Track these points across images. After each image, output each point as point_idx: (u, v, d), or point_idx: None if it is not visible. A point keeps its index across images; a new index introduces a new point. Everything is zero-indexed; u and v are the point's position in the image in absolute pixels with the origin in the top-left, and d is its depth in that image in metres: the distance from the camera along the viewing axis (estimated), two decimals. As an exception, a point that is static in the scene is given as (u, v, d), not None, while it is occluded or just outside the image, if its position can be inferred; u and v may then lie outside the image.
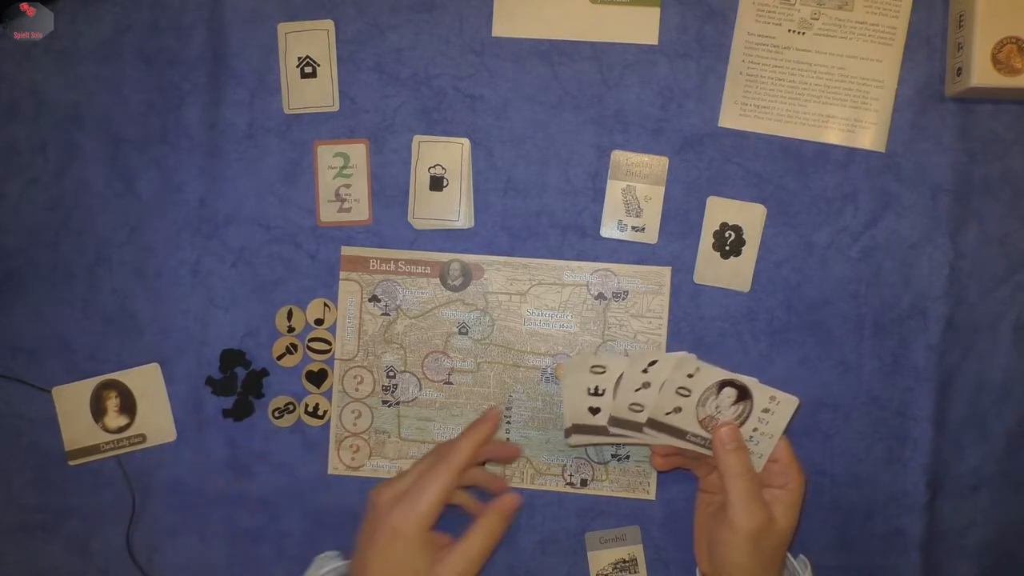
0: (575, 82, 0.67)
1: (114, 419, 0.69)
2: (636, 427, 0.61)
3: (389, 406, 0.68)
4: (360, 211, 0.68)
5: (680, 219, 0.67)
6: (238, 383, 0.69)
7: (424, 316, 0.68)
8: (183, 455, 0.69)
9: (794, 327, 0.66)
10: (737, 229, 0.66)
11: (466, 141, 0.68)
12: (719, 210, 0.66)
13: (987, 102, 0.65)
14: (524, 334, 0.68)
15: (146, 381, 0.69)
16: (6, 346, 0.70)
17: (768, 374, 0.66)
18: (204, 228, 0.69)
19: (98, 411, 0.69)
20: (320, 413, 0.69)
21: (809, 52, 0.66)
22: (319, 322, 0.68)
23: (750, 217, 0.66)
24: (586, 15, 0.67)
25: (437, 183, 0.68)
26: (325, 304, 0.68)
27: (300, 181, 0.69)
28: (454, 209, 0.68)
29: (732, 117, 0.66)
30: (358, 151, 0.68)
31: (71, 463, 0.70)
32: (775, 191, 0.66)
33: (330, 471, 0.69)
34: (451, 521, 0.61)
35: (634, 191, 0.67)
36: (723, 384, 0.59)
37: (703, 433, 0.60)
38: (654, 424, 0.60)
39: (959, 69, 0.63)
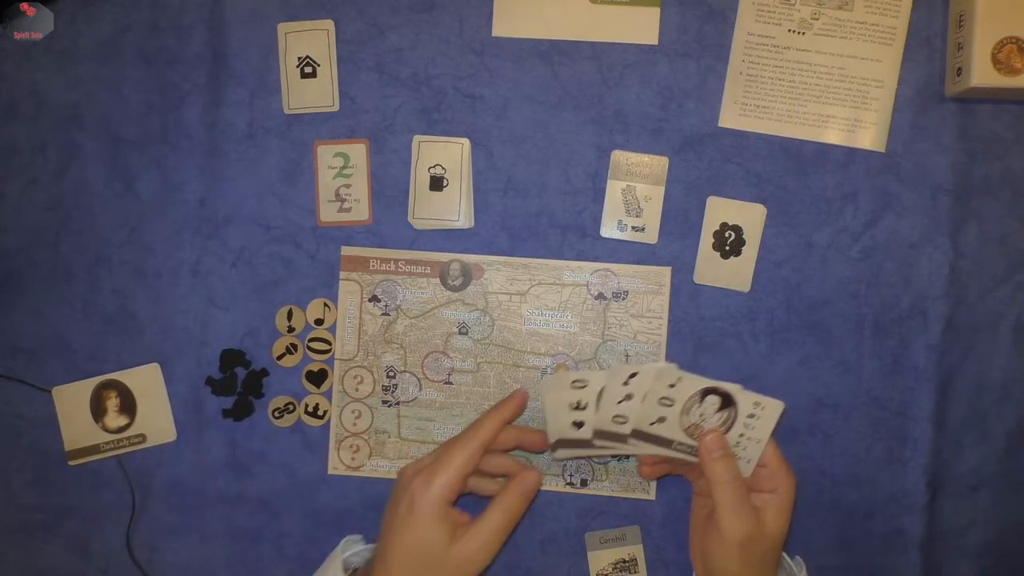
0: (575, 82, 0.67)
1: (114, 419, 0.69)
2: (621, 439, 0.60)
3: (389, 406, 0.68)
4: (360, 211, 0.68)
5: (680, 219, 0.67)
6: (238, 383, 0.69)
7: (424, 316, 0.68)
8: (183, 455, 0.69)
9: (794, 327, 0.66)
10: (737, 229, 0.66)
11: (466, 141, 0.68)
12: (719, 210, 0.66)
13: (987, 102, 0.65)
14: (524, 334, 0.68)
15: (146, 381, 0.69)
16: (6, 346, 0.70)
17: (768, 374, 0.66)
18: (204, 228, 0.69)
19: (98, 411, 0.69)
20: (320, 413, 0.69)
21: (809, 52, 0.66)
22: (319, 322, 0.68)
23: (750, 217, 0.66)
24: (586, 15, 0.67)
25: (437, 183, 0.68)
26: (325, 304, 0.68)
27: (300, 181, 0.69)
28: (454, 209, 0.68)
29: (732, 117, 0.66)
30: (358, 151, 0.68)
31: (71, 463, 0.70)
32: (775, 191, 0.66)
33: (330, 471, 0.69)
34: (478, 509, 0.60)
35: (634, 191, 0.67)
36: (706, 392, 0.57)
37: (689, 441, 0.59)
38: (639, 435, 0.59)
39: (959, 69, 0.63)
